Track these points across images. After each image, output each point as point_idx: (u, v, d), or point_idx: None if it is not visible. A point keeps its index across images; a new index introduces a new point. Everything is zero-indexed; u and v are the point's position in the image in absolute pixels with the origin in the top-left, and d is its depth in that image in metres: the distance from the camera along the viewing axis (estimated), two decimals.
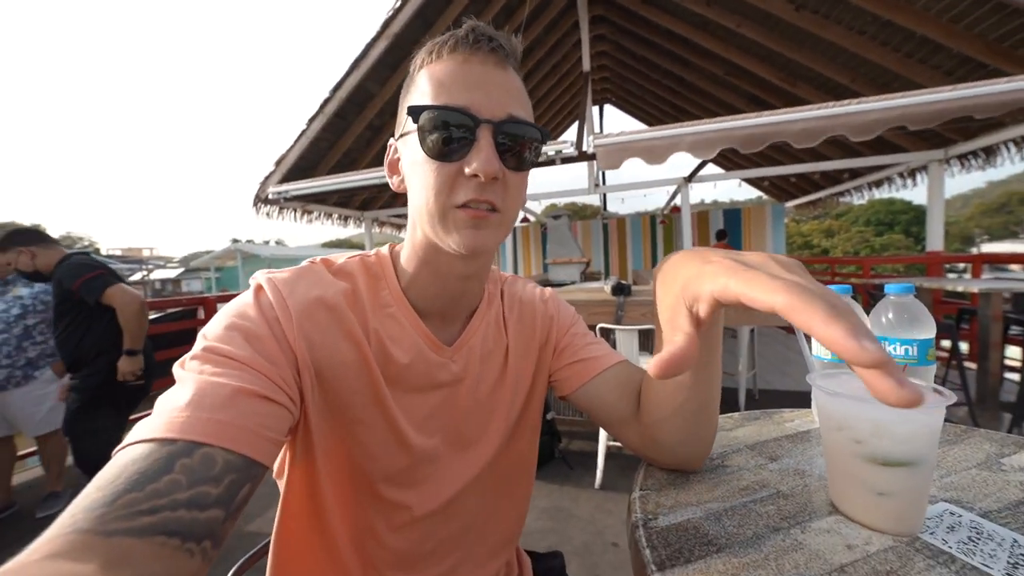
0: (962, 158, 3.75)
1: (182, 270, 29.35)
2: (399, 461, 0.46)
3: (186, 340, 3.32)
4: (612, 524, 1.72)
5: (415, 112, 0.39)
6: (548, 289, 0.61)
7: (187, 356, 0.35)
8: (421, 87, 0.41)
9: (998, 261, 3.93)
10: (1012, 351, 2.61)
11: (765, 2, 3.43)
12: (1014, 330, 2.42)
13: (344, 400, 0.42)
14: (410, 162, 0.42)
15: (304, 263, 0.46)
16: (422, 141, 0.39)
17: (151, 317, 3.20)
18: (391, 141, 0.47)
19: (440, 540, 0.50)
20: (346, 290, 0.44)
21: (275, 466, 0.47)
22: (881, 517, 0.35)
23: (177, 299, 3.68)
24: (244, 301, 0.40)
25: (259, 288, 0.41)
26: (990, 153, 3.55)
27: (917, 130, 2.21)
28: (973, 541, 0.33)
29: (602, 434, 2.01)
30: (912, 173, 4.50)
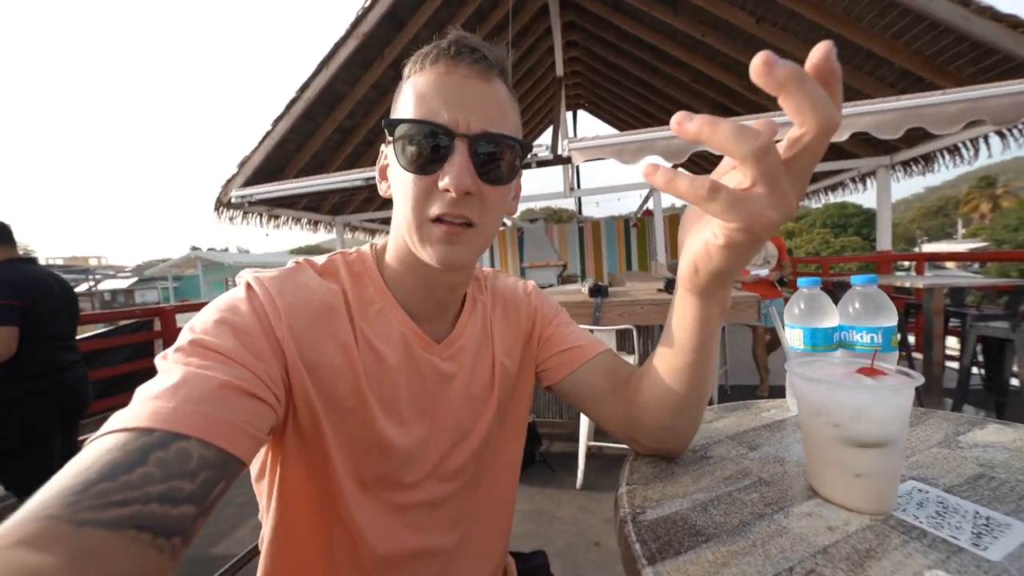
0: (905, 164, 4.05)
1: (135, 280, 27.56)
2: (385, 464, 0.44)
3: (143, 354, 3.11)
4: (594, 524, 1.73)
5: (391, 125, 0.41)
6: (531, 282, 0.61)
7: (170, 349, 0.34)
8: (404, 98, 0.42)
9: (938, 259, 4.40)
10: (951, 341, 2.84)
11: (728, 14, 3.60)
12: (953, 322, 2.63)
13: (334, 401, 0.42)
14: (392, 171, 0.44)
15: (290, 263, 0.45)
16: (399, 153, 0.41)
17: (99, 332, 3.14)
18: (383, 147, 0.47)
19: (429, 542, 0.48)
20: (334, 291, 0.44)
21: (255, 470, 0.45)
22: (858, 498, 0.36)
23: (130, 310, 3.48)
24: (235, 296, 0.39)
25: (248, 285, 0.40)
26: (928, 160, 3.87)
27: (867, 137, 2.37)
28: (940, 515, 0.35)
29: (582, 434, 2.03)
30: (863, 178, 4.81)
